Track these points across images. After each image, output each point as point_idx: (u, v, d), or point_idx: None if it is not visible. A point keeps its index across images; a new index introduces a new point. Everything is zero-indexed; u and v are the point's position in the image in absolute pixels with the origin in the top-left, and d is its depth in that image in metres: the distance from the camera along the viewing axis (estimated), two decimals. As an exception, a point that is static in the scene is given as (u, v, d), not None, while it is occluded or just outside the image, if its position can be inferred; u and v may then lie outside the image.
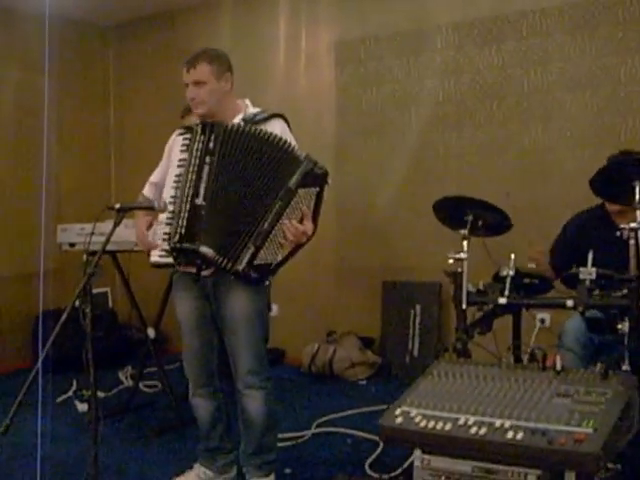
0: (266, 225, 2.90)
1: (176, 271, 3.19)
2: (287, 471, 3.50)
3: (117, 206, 2.87)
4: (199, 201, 2.91)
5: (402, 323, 5.23)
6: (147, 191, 3.29)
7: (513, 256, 3.08)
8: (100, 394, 4.77)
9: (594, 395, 2.51)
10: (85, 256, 3.01)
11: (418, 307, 5.15)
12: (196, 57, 3.09)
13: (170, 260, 3.02)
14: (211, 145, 2.92)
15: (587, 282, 2.87)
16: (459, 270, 3.11)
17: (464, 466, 2.49)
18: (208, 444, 3.33)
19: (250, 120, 3.10)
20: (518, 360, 3.25)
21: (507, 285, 3.04)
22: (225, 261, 2.90)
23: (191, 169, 2.92)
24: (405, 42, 5.13)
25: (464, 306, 3.07)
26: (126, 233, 3.61)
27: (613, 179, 2.87)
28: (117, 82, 6.72)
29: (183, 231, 2.90)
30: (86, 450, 2.89)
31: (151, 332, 4.27)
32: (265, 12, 5.81)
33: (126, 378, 5.22)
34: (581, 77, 4.53)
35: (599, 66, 4.47)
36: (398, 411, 2.62)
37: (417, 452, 2.60)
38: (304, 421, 4.18)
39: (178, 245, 2.90)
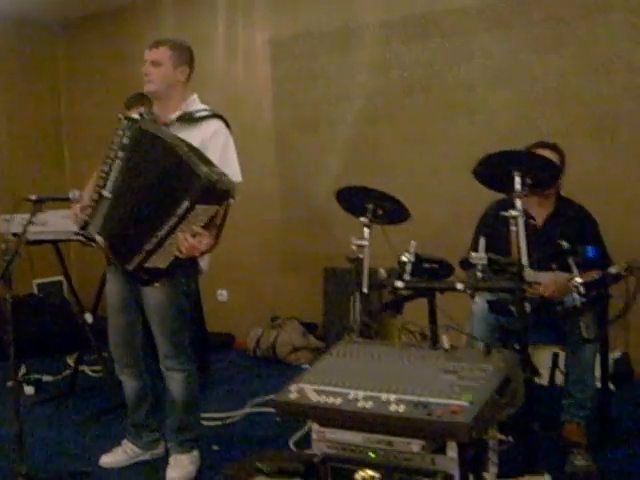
0: (161, 234, 2.98)
1: None
2: (215, 448, 3.69)
3: (33, 197, 3.06)
4: (106, 193, 3.07)
5: (343, 309, 5.39)
6: None
7: (413, 243, 3.26)
8: (48, 378, 4.98)
9: (476, 371, 2.69)
10: (4, 244, 3.14)
11: (357, 293, 5.31)
12: (163, 40, 3.32)
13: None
14: (125, 141, 3.05)
15: (479, 266, 3.05)
16: (360, 256, 3.30)
17: (356, 437, 2.68)
18: (134, 421, 3.53)
19: (189, 116, 3.26)
20: (435, 343, 3.45)
21: (407, 270, 3.22)
22: (117, 258, 3.08)
23: (107, 161, 3.07)
24: (336, 39, 5.30)
25: (365, 290, 3.26)
26: (66, 223, 3.71)
27: (494, 169, 3.04)
28: (67, 76, 6.88)
29: (88, 219, 3.09)
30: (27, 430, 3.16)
31: (88, 317, 4.43)
32: (204, 11, 5.98)
33: (74, 363, 5.38)
34: (501, 73, 4.73)
35: (517, 62, 4.67)
36: (293, 387, 2.80)
37: (314, 425, 2.80)
38: (240, 402, 4.36)
39: (81, 231, 3.09)
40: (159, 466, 3.41)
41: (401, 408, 2.55)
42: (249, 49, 5.75)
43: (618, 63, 4.48)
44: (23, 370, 4.95)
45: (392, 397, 2.61)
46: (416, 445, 2.57)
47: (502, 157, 3.05)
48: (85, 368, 5.08)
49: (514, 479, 2.44)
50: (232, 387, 4.77)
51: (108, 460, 3.48)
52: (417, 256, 3.28)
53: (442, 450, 2.56)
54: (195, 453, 3.41)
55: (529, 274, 3.24)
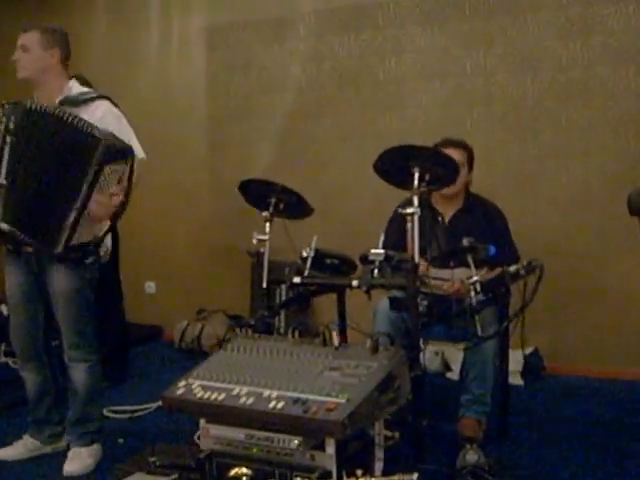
0: (77, 205, 3.00)
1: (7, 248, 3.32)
2: (120, 441, 3.66)
3: None
4: (1, 180, 3.04)
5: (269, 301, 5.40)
6: None
7: (315, 238, 3.26)
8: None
9: (360, 368, 2.71)
10: None
11: (283, 286, 5.32)
12: (34, 25, 3.27)
13: None
14: (11, 125, 3.03)
15: (376, 262, 3.05)
16: (261, 250, 3.30)
17: (238, 433, 2.69)
18: (36, 416, 3.49)
19: (73, 100, 3.22)
20: (344, 340, 3.46)
21: (307, 265, 3.22)
22: (40, 243, 3.05)
23: None
24: (271, 29, 5.28)
25: (264, 285, 3.26)
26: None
27: (395, 164, 3.04)
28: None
29: None
30: None
31: (4, 309, 4.40)
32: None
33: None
34: (431, 68, 4.74)
35: (447, 58, 4.68)
36: (182, 383, 2.81)
37: (202, 421, 2.80)
38: (157, 395, 4.33)
39: None
40: (59, 459, 3.37)
41: (280, 405, 2.56)
42: (184, 36, 5.69)
43: (545, 61, 4.53)
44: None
45: (274, 393, 2.63)
46: (294, 442, 2.58)
47: (402, 152, 3.04)
48: (9, 360, 5.01)
49: (385, 478, 2.43)
50: (151, 380, 4.74)
51: (6, 454, 3.44)
52: (318, 252, 3.29)
53: (322, 447, 2.59)
54: (96, 446, 3.39)
55: (433, 272, 3.29)
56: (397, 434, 2.87)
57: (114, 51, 5.97)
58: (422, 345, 2.97)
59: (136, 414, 4.03)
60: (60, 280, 3.22)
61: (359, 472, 2.44)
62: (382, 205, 4.83)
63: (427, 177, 2.96)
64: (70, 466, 3.28)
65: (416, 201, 2.94)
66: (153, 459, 2.92)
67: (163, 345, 5.73)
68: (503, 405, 3.64)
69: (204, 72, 5.61)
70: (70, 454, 3.34)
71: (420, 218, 3.66)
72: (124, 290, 5.00)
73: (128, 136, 3.27)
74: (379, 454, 2.81)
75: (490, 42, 4.58)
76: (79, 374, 3.31)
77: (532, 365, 4.45)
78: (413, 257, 2.94)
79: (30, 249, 3.19)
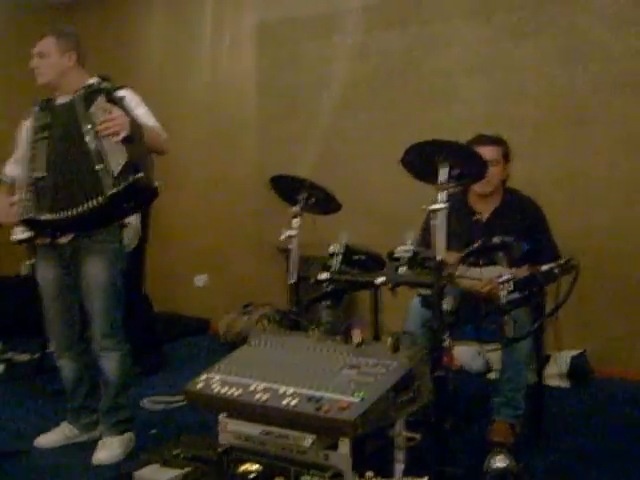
0: (93, 147, 3.08)
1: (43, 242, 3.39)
2: (153, 431, 3.71)
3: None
4: (38, 174, 3.15)
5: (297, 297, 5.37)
6: (10, 170, 3.49)
7: (344, 233, 3.21)
8: (25, 357, 5.04)
9: (379, 367, 2.66)
10: None
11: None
12: (47, 30, 3.35)
13: (29, 234, 3.26)
14: (46, 121, 3.18)
15: (402, 260, 3.00)
16: (290, 246, 3.27)
17: (254, 429, 2.68)
18: (73, 403, 3.58)
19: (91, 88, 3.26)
20: (377, 338, 3.41)
21: (335, 262, 3.18)
22: (84, 207, 3.08)
23: (31, 146, 3.18)
24: (319, 25, 5.26)
25: (293, 281, 3.24)
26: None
27: (422, 159, 2.97)
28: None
29: (28, 204, 3.15)
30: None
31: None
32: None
33: (42, 344, 5.45)
34: (478, 61, 4.64)
35: (494, 51, 4.57)
36: (203, 377, 2.82)
37: (221, 416, 2.80)
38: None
39: (25, 217, 3.16)
40: (92, 448, 3.43)
41: (294, 402, 2.54)
42: (235, 33, 5.74)
43: (595, 52, 4.38)
44: (-1, 348, 5.07)
45: (290, 390, 2.60)
46: (308, 439, 2.55)
47: (428, 147, 2.97)
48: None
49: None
50: (190, 372, 4.75)
51: (45, 440, 3.53)
52: (347, 248, 3.24)
53: (336, 446, 2.55)
54: (127, 436, 3.44)
55: (463, 270, 3.20)
56: (418, 436, 2.82)
57: (168, 49, 6.07)
58: (447, 344, 2.89)
59: (171, 405, 4.07)
60: (94, 271, 3.29)
61: (370, 474, 2.40)
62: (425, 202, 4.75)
63: (454, 173, 2.88)
64: (99, 455, 3.35)
65: (441, 197, 2.86)
66: (177, 451, 2.94)
67: (210, 338, 5.78)
68: (538, 409, 3.54)
69: (254, 69, 5.65)
70: (100, 443, 3.41)
71: (456, 217, 3.64)
72: (174, 283, 5.09)
73: (150, 116, 3.38)
74: (399, 456, 2.76)
75: (538, 33, 4.45)
76: (110, 363, 3.37)
77: (579, 368, 4.32)
78: (438, 255, 2.86)
79: (65, 240, 3.26)
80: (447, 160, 2.87)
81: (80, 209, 3.08)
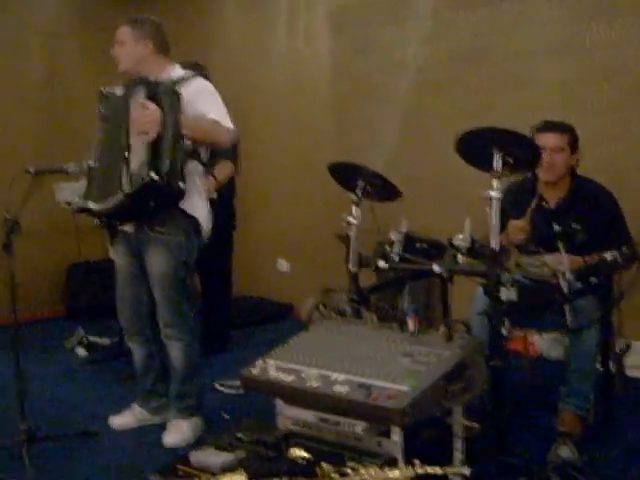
0: (123, 143, 3.17)
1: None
2: (225, 416, 3.79)
3: (32, 169, 3.26)
4: (91, 163, 3.29)
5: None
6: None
7: (405, 221, 3.21)
8: (106, 340, 5.19)
9: (431, 356, 2.68)
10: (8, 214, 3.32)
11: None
12: (126, 20, 3.45)
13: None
14: (103, 111, 3.32)
15: (461, 248, 2.97)
16: (349, 234, 3.29)
17: (309, 415, 2.74)
18: (143, 387, 3.70)
19: (173, 80, 3.35)
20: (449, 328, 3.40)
21: (395, 249, 3.19)
22: (112, 200, 3.18)
23: (95, 135, 3.34)
24: (391, 9, 5.21)
25: (352, 268, 3.26)
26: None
27: (476, 146, 2.93)
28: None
29: (84, 193, 3.30)
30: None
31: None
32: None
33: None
34: (552, 42, 4.50)
35: (569, 31, 4.43)
36: (259, 362, 2.89)
37: (279, 401, 2.86)
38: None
39: (81, 206, 3.29)
40: (163, 430, 3.54)
41: (344, 389, 2.59)
42: (310, 20, 5.73)
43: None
44: (81, 332, 5.26)
45: (341, 377, 2.65)
46: (359, 426, 2.59)
47: (483, 134, 2.94)
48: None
49: (434, 467, 2.38)
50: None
51: (117, 422, 3.66)
52: (407, 235, 3.24)
53: (388, 433, 2.58)
54: (195, 419, 3.53)
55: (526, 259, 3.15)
56: (476, 424, 2.81)
57: (245, 38, 6.14)
58: (506, 333, 2.86)
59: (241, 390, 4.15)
60: (155, 261, 3.38)
61: (417, 462, 2.41)
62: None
63: (508, 160, 2.84)
64: (169, 437, 3.45)
65: (496, 185, 2.82)
66: (239, 434, 3.00)
67: (293, 322, 5.84)
68: (606, 401, 3.44)
69: (329, 55, 5.64)
70: (170, 426, 3.51)
71: (525, 204, 3.58)
72: (258, 268, 5.16)
73: (217, 107, 3.35)
74: (457, 444, 2.77)
75: (617, 11, 4.27)
76: (175, 352, 3.46)
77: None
78: (493, 243, 2.83)
79: (127, 228, 3.39)
80: (500, 147, 2.83)
81: (108, 204, 3.19)
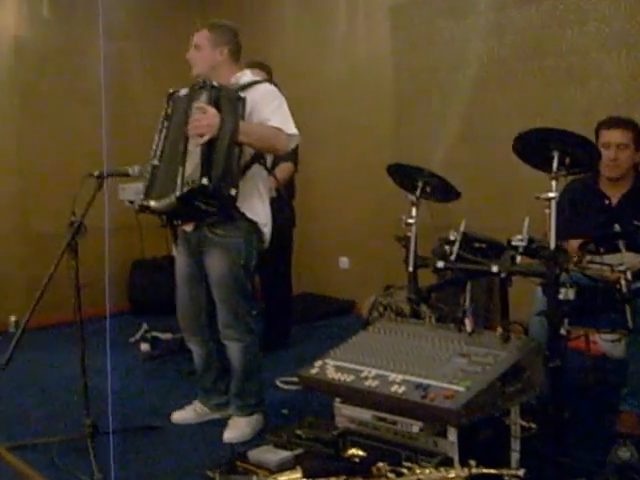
0: (181, 147, 3.22)
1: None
2: (284, 412, 3.84)
3: (96, 173, 3.34)
4: (155, 162, 3.34)
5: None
6: None
7: (464, 221, 3.20)
8: (167, 335, 5.29)
9: (488, 357, 2.67)
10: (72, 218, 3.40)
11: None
12: (205, 23, 3.50)
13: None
14: (169, 111, 3.36)
15: (519, 248, 2.96)
16: (408, 234, 3.29)
17: (366, 415, 2.76)
18: (203, 385, 3.76)
19: (239, 86, 3.40)
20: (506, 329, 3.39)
21: (454, 249, 3.18)
22: (167, 200, 3.23)
23: (156, 134, 3.38)
24: (452, 4, 5.17)
25: (411, 268, 3.26)
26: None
27: (534, 146, 2.91)
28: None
29: (145, 190, 3.35)
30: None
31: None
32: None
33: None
34: (616, 36, 4.41)
35: (633, 25, 4.34)
36: (318, 363, 2.92)
37: (336, 400, 2.89)
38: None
39: (141, 204, 3.35)
40: (223, 425, 3.60)
41: (401, 389, 2.60)
42: (370, 15, 5.74)
43: None
44: (145, 327, 5.38)
45: (399, 377, 2.67)
46: (416, 426, 2.60)
47: (541, 134, 2.91)
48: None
49: (489, 470, 2.38)
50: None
51: (179, 417, 3.74)
52: (466, 235, 3.23)
53: (444, 433, 2.58)
54: (255, 417, 3.58)
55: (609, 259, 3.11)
56: (534, 425, 2.80)
57: (304, 34, 6.18)
58: (565, 333, 2.85)
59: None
60: (214, 263, 3.42)
61: (472, 462, 2.41)
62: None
63: (567, 161, 2.81)
64: (229, 434, 3.50)
65: (555, 186, 2.80)
66: (299, 432, 3.04)
67: (354, 319, 5.87)
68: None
69: (389, 50, 5.62)
70: (230, 422, 3.57)
71: (586, 201, 3.54)
72: (319, 265, 5.18)
73: (279, 113, 3.39)
74: (514, 445, 2.76)
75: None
76: (234, 353, 3.51)
77: None
78: (552, 243, 2.81)
79: (187, 228, 3.44)
80: (559, 148, 2.81)
81: (163, 204, 3.25)
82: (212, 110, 3.15)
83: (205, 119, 3.14)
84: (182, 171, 3.16)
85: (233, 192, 3.22)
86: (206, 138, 3.13)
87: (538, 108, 4.81)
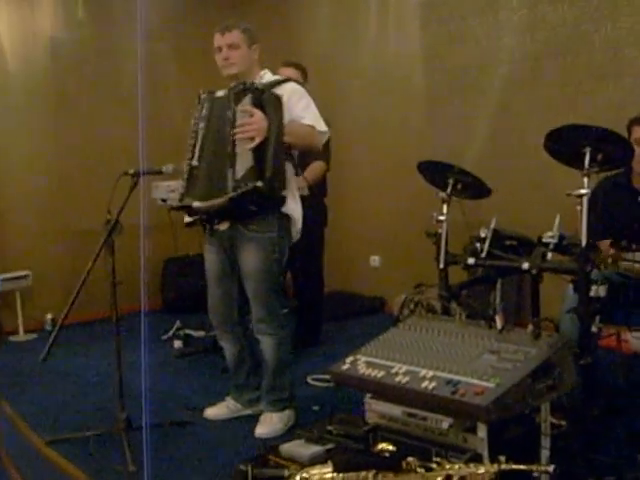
0: (229, 149, 3.27)
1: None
2: (315, 408, 3.87)
3: (131, 172, 3.40)
4: (194, 162, 3.38)
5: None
6: None
7: (494, 218, 3.21)
8: (200, 333, 5.37)
9: (518, 354, 2.67)
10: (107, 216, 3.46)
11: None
12: (232, 24, 3.53)
13: (192, 218, 3.52)
14: (204, 112, 3.39)
15: (550, 245, 2.96)
16: (439, 231, 3.31)
17: (396, 410, 2.77)
18: (236, 381, 3.81)
19: (267, 84, 3.45)
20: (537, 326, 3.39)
21: (484, 247, 3.19)
22: (215, 201, 3.29)
23: (192, 135, 3.42)
24: (484, 0, 5.16)
25: (442, 265, 3.27)
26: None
27: (565, 143, 2.90)
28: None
29: (183, 191, 3.40)
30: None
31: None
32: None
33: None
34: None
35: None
36: (349, 358, 2.93)
37: (367, 396, 2.91)
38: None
39: (178, 204, 3.39)
40: (256, 421, 3.64)
41: (432, 385, 2.61)
42: (400, 12, 5.75)
43: None
44: (177, 324, 5.44)
45: (430, 373, 2.67)
46: (446, 422, 2.61)
47: (573, 131, 2.91)
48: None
49: (519, 466, 2.38)
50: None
51: (212, 413, 3.79)
52: (496, 232, 3.24)
53: (474, 429, 2.59)
54: (287, 412, 3.62)
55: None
56: (564, 422, 2.80)
57: (335, 31, 6.20)
58: (596, 330, 2.84)
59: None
60: (249, 259, 3.46)
61: (502, 458, 2.42)
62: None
63: (599, 157, 2.80)
64: (260, 429, 3.54)
65: (586, 182, 2.79)
66: (330, 427, 3.07)
67: (385, 316, 5.89)
68: None
69: (420, 47, 5.64)
70: (262, 418, 3.61)
71: (619, 198, 3.52)
72: (350, 263, 5.19)
73: (314, 111, 3.48)
74: (545, 443, 2.75)
75: None
76: (267, 347, 3.55)
77: None
78: (583, 240, 2.80)
79: (222, 227, 3.47)
80: (590, 145, 2.80)
81: (212, 204, 3.29)
82: (259, 113, 3.21)
83: (255, 123, 3.20)
84: (232, 173, 3.22)
85: (284, 192, 3.33)
86: (257, 141, 3.20)
87: (570, 105, 4.79)
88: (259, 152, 3.21)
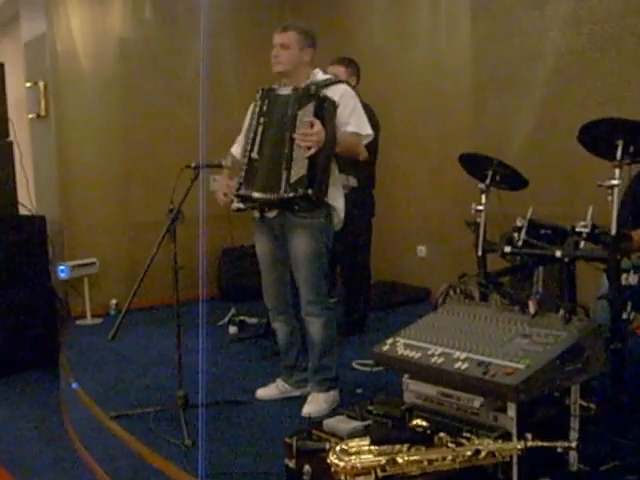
0: (286, 151, 3.48)
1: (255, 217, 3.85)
2: (358, 391, 4.03)
3: (193, 165, 3.63)
4: (254, 155, 3.59)
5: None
6: (234, 149, 3.98)
7: (531, 208, 3.33)
8: (253, 320, 5.63)
9: (549, 337, 2.80)
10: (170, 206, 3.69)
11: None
12: (290, 24, 3.72)
13: (242, 205, 3.74)
14: (265, 108, 3.60)
15: (583, 234, 3.08)
16: (477, 220, 3.45)
17: (431, 390, 2.94)
18: (286, 362, 4.00)
19: (317, 83, 3.64)
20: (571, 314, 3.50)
21: (520, 235, 3.32)
22: (271, 195, 3.53)
23: (251, 129, 3.63)
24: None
25: (479, 253, 3.41)
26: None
27: (599, 136, 3.01)
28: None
29: (242, 180, 3.62)
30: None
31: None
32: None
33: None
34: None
35: None
36: (390, 340, 3.11)
37: (405, 376, 3.08)
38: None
39: (238, 192, 3.62)
40: (303, 401, 3.84)
41: (464, 366, 2.76)
42: (451, 7, 5.89)
43: None
44: (233, 311, 5.69)
45: (463, 355, 2.82)
46: (477, 401, 2.76)
47: (606, 124, 3.02)
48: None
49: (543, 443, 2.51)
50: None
51: (263, 393, 4.00)
52: (532, 222, 3.36)
53: (504, 409, 2.74)
54: (332, 393, 3.81)
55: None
56: (592, 405, 2.92)
57: (389, 28, 6.33)
58: (627, 317, 2.95)
59: (378, 368, 4.37)
60: (299, 244, 3.66)
61: (528, 436, 2.56)
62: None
63: (631, 149, 2.91)
64: (307, 408, 3.72)
65: (618, 173, 2.90)
66: (370, 407, 3.24)
67: (429, 306, 6.00)
68: None
69: (469, 42, 5.75)
70: (309, 398, 3.79)
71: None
72: (397, 253, 5.31)
73: (361, 115, 3.67)
74: (574, 424, 2.88)
75: None
76: (314, 328, 3.74)
77: None
78: (614, 229, 2.92)
79: (271, 215, 3.69)
80: (622, 137, 2.91)
81: (265, 197, 3.54)
82: (319, 125, 3.40)
83: (315, 135, 3.40)
84: (287, 175, 3.45)
85: (325, 198, 3.58)
86: (312, 151, 3.41)
87: (615, 98, 4.84)
88: (313, 161, 3.43)
